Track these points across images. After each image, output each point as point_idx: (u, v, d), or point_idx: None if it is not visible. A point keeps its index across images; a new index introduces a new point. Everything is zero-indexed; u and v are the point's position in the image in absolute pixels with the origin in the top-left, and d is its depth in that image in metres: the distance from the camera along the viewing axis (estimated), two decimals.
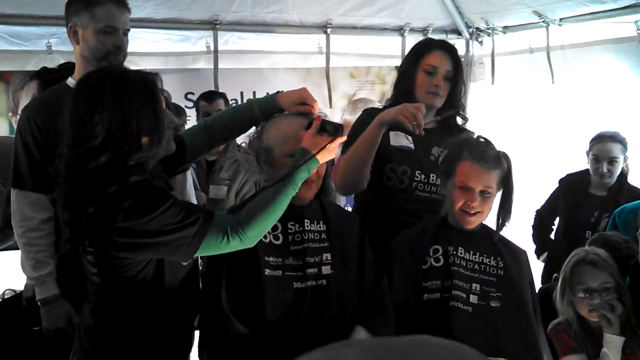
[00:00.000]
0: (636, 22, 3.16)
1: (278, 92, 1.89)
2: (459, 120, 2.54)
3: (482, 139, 2.04)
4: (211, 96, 3.51)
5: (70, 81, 2.20)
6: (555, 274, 2.92)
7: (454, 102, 2.41)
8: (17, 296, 2.53)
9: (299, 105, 1.84)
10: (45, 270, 2.18)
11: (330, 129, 1.71)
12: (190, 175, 2.77)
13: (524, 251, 2.11)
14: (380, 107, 2.52)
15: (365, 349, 0.64)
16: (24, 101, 2.68)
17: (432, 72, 2.34)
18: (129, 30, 2.23)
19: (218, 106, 3.46)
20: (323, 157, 1.70)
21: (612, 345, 2.04)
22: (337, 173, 2.26)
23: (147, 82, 1.59)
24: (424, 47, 2.42)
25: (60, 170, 1.57)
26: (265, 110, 1.88)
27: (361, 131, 2.15)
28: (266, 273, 1.76)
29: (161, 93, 1.67)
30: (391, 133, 2.23)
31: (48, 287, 2.20)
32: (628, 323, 2.08)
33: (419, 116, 2.00)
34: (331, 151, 1.72)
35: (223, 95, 3.56)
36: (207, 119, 1.99)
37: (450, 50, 2.40)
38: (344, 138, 1.75)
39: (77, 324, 1.85)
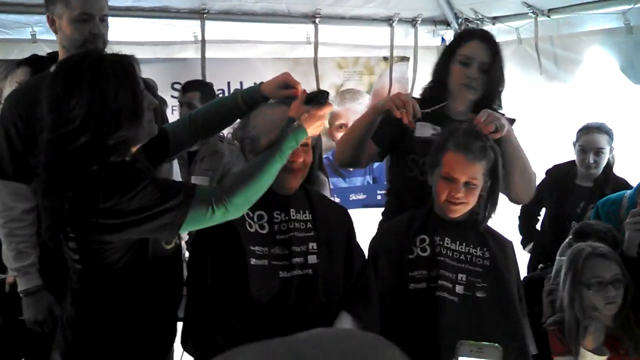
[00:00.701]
0: (624, 13, 3.15)
1: (261, 82, 1.88)
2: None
3: (469, 129, 2.02)
4: (189, 86, 3.44)
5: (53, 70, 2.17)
6: (540, 265, 2.93)
7: (490, 96, 2.30)
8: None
9: (283, 90, 1.83)
10: (27, 261, 2.17)
11: (315, 98, 1.71)
12: (176, 164, 2.75)
13: (511, 242, 2.11)
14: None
15: (258, 355, 0.63)
16: (8, 90, 2.65)
17: (467, 62, 2.27)
18: (106, 15, 2.18)
19: (196, 97, 3.39)
20: (311, 127, 1.70)
21: None
22: (336, 148, 2.40)
23: (124, 63, 1.58)
24: (461, 37, 2.37)
25: (39, 158, 1.56)
26: (249, 99, 1.87)
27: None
28: (252, 262, 1.75)
29: (143, 79, 1.66)
30: (418, 124, 2.18)
31: (30, 278, 2.18)
32: (627, 320, 2.09)
33: (408, 105, 1.99)
34: (319, 119, 1.71)
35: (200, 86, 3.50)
36: (192, 112, 1.97)
37: (489, 40, 2.31)
38: (331, 106, 1.75)
39: (59, 316, 1.84)
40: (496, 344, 1.58)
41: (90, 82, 1.50)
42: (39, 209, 1.66)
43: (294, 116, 1.69)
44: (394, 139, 2.31)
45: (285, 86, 1.83)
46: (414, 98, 2.30)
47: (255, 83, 3.89)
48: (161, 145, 1.84)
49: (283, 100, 1.86)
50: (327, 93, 1.75)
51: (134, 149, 1.64)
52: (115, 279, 1.64)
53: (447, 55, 2.33)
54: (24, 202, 2.17)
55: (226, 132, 3.56)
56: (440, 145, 1.99)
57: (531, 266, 3.32)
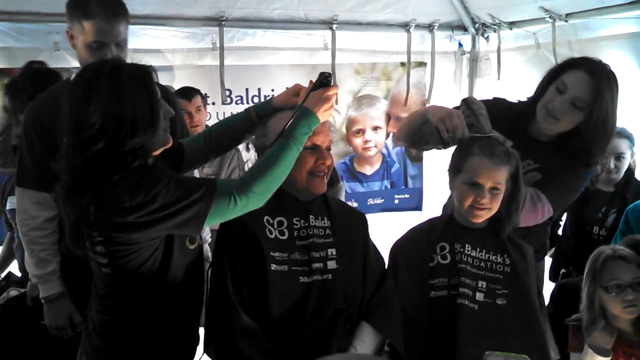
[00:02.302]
0: None
1: (272, 96, 1.92)
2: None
3: (491, 135, 2.00)
4: (189, 93, 3.49)
5: None
6: (563, 270, 2.91)
7: (582, 139, 2.09)
8: (22, 296, 2.56)
9: (294, 98, 1.84)
10: (48, 269, 2.21)
11: (320, 83, 1.73)
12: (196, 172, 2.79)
13: (531, 248, 2.10)
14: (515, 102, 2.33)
15: None
16: None
17: (562, 90, 2.09)
18: (124, 39, 2.14)
19: (196, 103, 3.47)
20: (320, 110, 1.72)
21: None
22: (399, 127, 2.39)
23: (142, 71, 1.61)
24: (571, 61, 2.16)
25: (61, 163, 1.60)
26: (262, 112, 1.90)
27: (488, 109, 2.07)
28: (272, 268, 1.77)
29: (160, 87, 1.69)
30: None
31: (51, 286, 2.23)
32: None
33: (458, 132, 1.95)
34: (327, 101, 1.72)
35: (199, 91, 3.54)
36: (206, 129, 2.01)
37: (596, 75, 2.06)
38: (336, 87, 1.75)
39: (85, 323, 1.87)
40: (524, 355, 1.57)
41: (108, 89, 1.53)
42: (61, 216, 1.68)
43: (304, 104, 1.72)
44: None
45: (296, 94, 1.84)
46: (500, 99, 2.25)
47: (273, 90, 4.00)
48: (177, 158, 1.88)
49: None
50: (330, 75, 1.76)
51: (151, 157, 1.67)
52: (142, 283, 1.67)
53: (553, 75, 2.17)
54: (46, 210, 2.20)
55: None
56: (463, 151, 1.98)
57: (553, 272, 3.30)
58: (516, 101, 2.30)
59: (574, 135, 2.14)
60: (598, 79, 2.05)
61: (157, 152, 1.67)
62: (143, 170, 1.59)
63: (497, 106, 2.18)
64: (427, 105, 2.23)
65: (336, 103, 3.78)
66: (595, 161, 2.19)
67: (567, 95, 2.08)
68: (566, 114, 2.09)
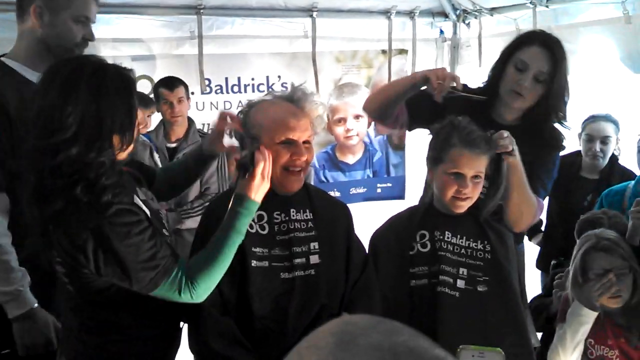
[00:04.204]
0: (623, 2, 3.13)
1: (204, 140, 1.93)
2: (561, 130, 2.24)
3: (467, 122, 1.97)
4: (172, 83, 3.48)
5: (9, 61, 2.03)
6: (553, 261, 2.92)
7: (546, 107, 2.15)
8: None
9: (219, 140, 1.85)
10: (24, 280, 1.94)
11: (245, 162, 1.67)
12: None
13: (510, 234, 2.10)
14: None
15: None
16: None
17: (522, 68, 2.12)
18: (94, 22, 2.11)
19: (178, 94, 3.46)
20: (256, 193, 1.66)
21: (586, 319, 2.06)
22: (368, 97, 2.41)
23: (124, 77, 1.54)
24: (522, 38, 2.20)
25: (25, 163, 1.51)
26: (195, 157, 1.93)
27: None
28: (253, 264, 1.74)
29: (142, 95, 1.65)
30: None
31: (27, 298, 1.94)
32: (636, 310, 2.07)
33: (448, 80, 1.99)
34: (260, 182, 1.66)
35: (183, 83, 3.53)
36: (160, 168, 2.09)
37: (552, 47, 2.11)
38: (261, 154, 1.67)
39: (62, 324, 1.82)
40: (498, 349, 1.57)
41: (88, 93, 1.45)
42: (26, 217, 1.56)
43: (239, 192, 1.66)
44: (427, 117, 2.18)
45: (221, 135, 1.81)
46: (463, 85, 2.23)
47: (253, 78, 3.96)
48: (148, 179, 1.86)
49: (283, 95, 1.84)
50: (247, 155, 1.69)
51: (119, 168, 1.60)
52: (110, 296, 1.60)
53: (506, 55, 2.18)
54: (6, 214, 1.94)
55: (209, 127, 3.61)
56: (443, 142, 1.95)
57: (542, 261, 3.30)
58: (464, 93, 2.22)
59: (539, 121, 2.17)
60: (554, 50, 2.11)
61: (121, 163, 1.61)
62: (119, 214, 1.49)
63: (460, 96, 2.15)
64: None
65: (317, 92, 3.77)
66: (561, 138, 2.23)
67: (529, 72, 2.11)
68: (530, 90, 2.12)
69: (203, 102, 3.88)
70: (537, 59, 2.11)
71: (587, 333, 2.08)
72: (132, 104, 1.54)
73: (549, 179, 2.25)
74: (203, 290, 1.60)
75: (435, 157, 1.98)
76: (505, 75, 2.17)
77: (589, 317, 2.07)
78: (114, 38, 3.51)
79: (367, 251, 2.02)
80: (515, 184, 2.02)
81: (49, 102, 1.46)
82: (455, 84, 2.04)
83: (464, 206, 1.97)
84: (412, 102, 2.22)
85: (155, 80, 3.61)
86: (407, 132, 2.29)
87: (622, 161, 3.21)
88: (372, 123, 4.35)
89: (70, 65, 1.53)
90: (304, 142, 1.77)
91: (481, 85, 2.31)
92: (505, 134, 1.96)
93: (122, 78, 1.53)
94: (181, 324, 1.85)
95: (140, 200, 1.61)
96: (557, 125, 2.23)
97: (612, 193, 2.82)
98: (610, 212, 2.50)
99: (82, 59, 1.58)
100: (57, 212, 1.45)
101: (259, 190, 1.66)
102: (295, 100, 1.80)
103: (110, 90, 1.48)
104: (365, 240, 2.05)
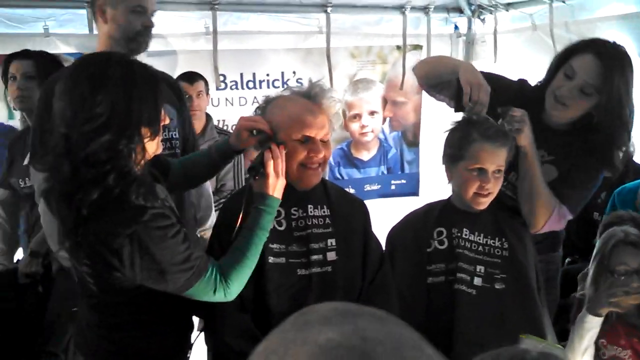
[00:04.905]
0: None
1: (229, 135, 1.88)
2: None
3: (483, 117, 1.95)
4: (192, 77, 3.48)
5: None
6: (568, 259, 2.90)
7: (593, 122, 2.00)
8: (10, 272, 2.54)
9: (250, 138, 1.79)
10: None
11: (255, 165, 1.68)
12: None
13: (529, 231, 2.09)
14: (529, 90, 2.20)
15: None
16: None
17: (570, 75, 1.98)
18: (155, 11, 2.28)
19: (198, 88, 3.46)
20: (275, 190, 1.68)
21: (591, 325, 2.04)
22: (420, 65, 2.34)
23: (150, 72, 1.56)
24: (580, 44, 2.03)
25: (56, 156, 1.51)
26: (221, 151, 1.89)
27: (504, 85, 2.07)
28: (270, 260, 1.74)
29: (169, 80, 1.66)
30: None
31: None
32: None
33: (480, 105, 1.91)
34: (272, 178, 1.67)
35: (203, 78, 3.54)
36: (178, 159, 2.05)
37: (606, 59, 1.93)
38: (272, 154, 1.68)
39: (76, 319, 1.84)
40: (559, 346, 1.55)
41: (117, 83, 1.47)
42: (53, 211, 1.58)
43: (259, 191, 1.68)
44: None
45: (250, 130, 1.79)
46: (524, 82, 2.18)
47: (267, 74, 3.96)
48: (163, 172, 1.84)
49: (300, 91, 1.83)
50: (255, 164, 1.69)
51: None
52: (133, 296, 1.60)
53: (562, 59, 2.05)
54: None
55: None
56: (462, 138, 1.94)
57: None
58: (531, 85, 2.20)
59: (592, 129, 2.02)
60: (607, 63, 1.93)
61: (148, 159, 1.60)
62: (151, 218, 1.50)
63: (515, 88, 2.13)
64: (462, 60, 2.15)
65: (331, 87, 3.76)
66: (615, 163, 2.07)
67: (575, 81, 1.97)
68: (575, 101, 1.99)
69: (218, 98, 3.88)
70: (587, 69, 1.96)
71: (594, 338, 2.06)
72: (158, 95, 1.55)
73: (582, 189, 2.13)
74: (235, 289, 1.62)
75: (454, 154, 1.96)
76: (554, 80, 2.05)
77: (593, 323, 2.06)
78: None
79: (383, 248, 2.01)
80: (527, 171, 1.99)
81: (78, 93, 1.47)
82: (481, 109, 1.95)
83: (485, 202, 1.95)
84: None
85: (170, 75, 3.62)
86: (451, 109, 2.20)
87: (637, 158, 3.18)
88: (387, 119, 4.34)
89: (96, 58, 1.56)
90: (322, 140, 1.76)
91: (536, 84, 2.19)
92: (519, 112, 1.91)
93: (147, 71, 1.56)
94: (195, 319, 1.87)
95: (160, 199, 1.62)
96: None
97: (624, 191, 2.78)
98: (635, 214, 2.46)
99: (108, 54, 1.62)
100: (93, 204, 1.46)
101: (276, 187, 1.68)
102: (312, 96, 1.79)
103: (138, 81, 1.50)
104: (380, 237, 2.04)
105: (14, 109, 2.97)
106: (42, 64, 2.62)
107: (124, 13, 2.17)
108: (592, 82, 1.95)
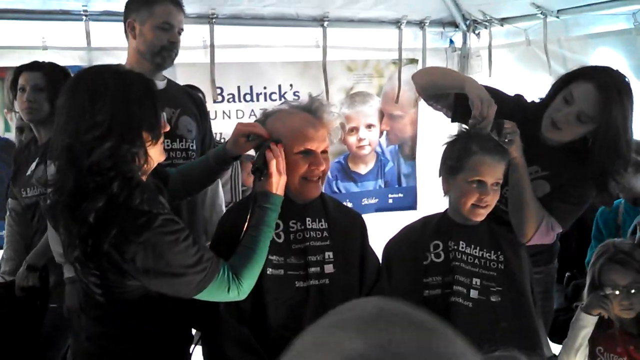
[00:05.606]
0: (634, 13, 3.15)
1: (226, 142, 1.89)
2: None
3: (481, 130, 1.97)
4: (190, 89, 3.47)
5: None
6: (567, 273, 2.92)
7: (589, 156, 2.02)
8: (7, 285, 2.55)
9: (247, 143, 1.82)
10: None
11: (259, 165, 1.71)
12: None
13: (524, 244, 2.10)
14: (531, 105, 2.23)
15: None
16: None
17: (569, 101, 2.00)
18: (182, 30, 2.42)
19: None
20: (277, 187, 1.71)
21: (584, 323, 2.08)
22: (420, 74, 2.38)
23: (145, 79, 1.59)
24: (582, 71, 2.06)
25: (61, 167, 1.53)
26: (218, 158, 1.90)
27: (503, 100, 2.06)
28: (268, 272, 1.75)
29: (191, 90, 1.68)
30: None
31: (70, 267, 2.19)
32: None
33: (486, 122, 1.92)
34: (277, 176, 1.70)
35: (200, 91, 3.51)
36: (176, 168, 2.06)
37: (606, 91, 1.94)
38: (271, 154, 1.70)
39: (73, 328, 1.84)
40: None
41: (115, 90, 1.50)
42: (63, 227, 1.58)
43: (262, 189, 1.71)
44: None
45: (246, 135, 1.81)
46: (517, 96, 2.22)
47: (265, 87, 3.96)
48: (163, 181, 1.86)
49: (300, 105, 1.85)
50: (256, 161, 1.72)
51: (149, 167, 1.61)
52: (137, 307, 1.62)
53: (563, 83, 2.07)
54: None
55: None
56: (461, 150, 1.96)
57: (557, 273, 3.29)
58: (530, 102, 2.23)
59: (587, 151, 2.05)
60: (606, 95, 1.94)
61: (151, 167, 1.62)
62: (156, 218, 1.51)
63: (512, 103, 2.16)
64: (464, 75, 2.16)
65: (327, 100, 3.77)
66: (610, 191, 2.10)
67: (573, 108, 2.00)
68: (570, 125, 2.03)
69: (215, 111, 3.89)
70: (585, 98, 1.97)
71: (587, 337, 2.11)
72: (156, 101, 1.58)
73: (573, 204, 2.13)
74: (247, 287, 1.63)
75: (453, 166, 1.98)
76: (553, 102, 2.07)
77: (587, 321, 2.10)
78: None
79: (380, 261, 2.03)
80: (517, 182, 2.02)
81: (78, 105, 1.49)
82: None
83: (483, 214, 1.97)
84: (463, 97, 2.06)
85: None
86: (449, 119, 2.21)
87: None
88: (384, 132, 4.36)
89: (92, 70, 1.59)
90: (322, 152, 1.79)
91: (536, 103, 2.22)
92: (510, 124, 1.93)
93: (143, 79, 1.59)
94: (193, 331, 1.87)
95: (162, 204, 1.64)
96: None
97: (606, 211, 2.82)
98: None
99: (103, 66, 1.63)
100: (99, 212, 1.46)
101: (279, 185, 1.71)
102: (312, 110, 1.82)
103: (135, 87, 1.53)
104: (377, 251, 2.06)
105: (21, 119, 2.96)
106: (52, 76, 2.63)
107: (151, 29, 2.32)
108: (588, 112, 1.98)
